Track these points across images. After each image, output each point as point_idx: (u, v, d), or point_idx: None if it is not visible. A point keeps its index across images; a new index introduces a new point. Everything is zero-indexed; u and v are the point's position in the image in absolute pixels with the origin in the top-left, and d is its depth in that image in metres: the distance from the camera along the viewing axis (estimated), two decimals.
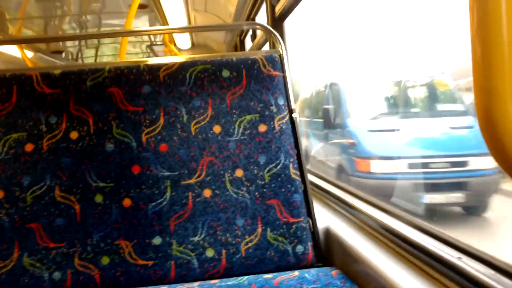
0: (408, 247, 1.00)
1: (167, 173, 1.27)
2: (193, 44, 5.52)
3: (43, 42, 4.66)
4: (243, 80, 1.34)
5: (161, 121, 1.30)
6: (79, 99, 1.30)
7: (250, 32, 3.64)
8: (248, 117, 1.33)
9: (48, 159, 1.26)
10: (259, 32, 2.88)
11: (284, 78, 1.38)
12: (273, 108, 1.34)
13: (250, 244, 1.25)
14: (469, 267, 0.81)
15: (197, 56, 1.37)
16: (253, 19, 3.49)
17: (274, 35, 1.44)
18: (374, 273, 1.01)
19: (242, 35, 4.22)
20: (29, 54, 4.64)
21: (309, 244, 1.28)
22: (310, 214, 1.31)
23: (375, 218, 1.21)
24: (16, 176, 1.24)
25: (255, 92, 1.34)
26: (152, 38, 5.15)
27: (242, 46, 4.48)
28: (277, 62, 1.37)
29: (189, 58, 1.36)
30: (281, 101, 1.35)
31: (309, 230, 1.29)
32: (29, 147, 1.26)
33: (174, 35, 4.56)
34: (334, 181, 1.80)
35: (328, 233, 1.32)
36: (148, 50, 5.83)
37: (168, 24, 4.07)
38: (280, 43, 1.42)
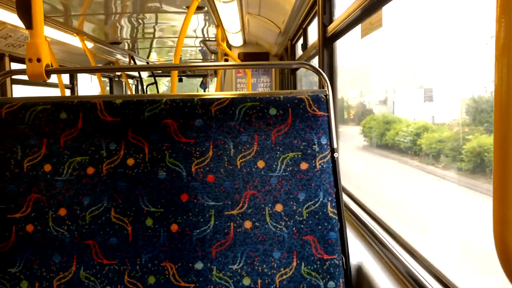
0: None
1: (212, 203, 1.37)
2: (244, 42, 5.61)
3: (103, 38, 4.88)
4: (288, 118, 1.41)
5: (210, 153, 1.40)
6: (137, 128, 1.41)
7: (301, 40, 3.69)
8: (291, 154, 1.40)
9: (106, 182, 1.39)
10: (310, 33, 2.90)
11: (329, 118, 1.44)
12: (316, 147, 1.40)
13: (284, 277, 1.34)
14: None
15: (247, 93, 1.45)
16: (305, 29, 3.53)
17: (323, 76, 1.50)
18: None
19: (293, 39, 4.27)
20: (89, 45, 4.87)
21: (341, 280, 1.35)
22: (344, 251, 1.38)
23: (401, 261, 1.26)
24: (77, 196, 1.38)
25: (299, 131, 1.41)
26: (206, 35, 5.27)
27: (292, 50, 4.53)
28: (322, 102, 1.43)
29: (239, 94, 1.44)
30: (324, 141, 1.42)
31: (342, 267, 1.36)
32: (90, 170, 1.39)
33: (227, 33, 4.67)
34: (369, 210, 1.85)
35: (360, 270, 1.39)
36: (202, 45, 5.97)
37: (221, 24, 4.17)
38: (327, 84, 1.47)
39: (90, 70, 5.32)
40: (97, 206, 1.38)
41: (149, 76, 8.88)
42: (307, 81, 5.29)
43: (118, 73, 7.69)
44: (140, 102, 1.42)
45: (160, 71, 7.82)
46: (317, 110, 1.42)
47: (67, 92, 5.36)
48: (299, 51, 4.21)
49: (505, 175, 0.54)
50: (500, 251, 0.55)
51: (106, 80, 7.93)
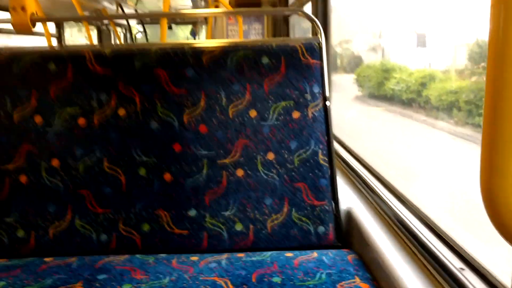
0: (419, 246, 1.09)
1: (205, 152, 1.39)
2: None
3: None
4: (281, 67, 1.40)
5: (202, 103, 1.40)
6: (128, 79, 1.40)
7: None
8: (283, 103, 1.40)
9: (98, 133, 1.39)
10: None
11: (321, 66, 1.43)
12: (308, 96, 1.40)
13: (276, 222, 1.38)
14: (469, 273, 0.90)
15: (239, 41, 1.43)
16: None
17: (316, 23, 1.47)
18: (384, 263, 1.11)
19: None
20: None
21: (331, 225, 1.39)
22: (334, 198, 1.41)
23: (391, 207, 1.30)
24: (70, 147, 1.39)
25: (291, 80, 1.40)
26: None
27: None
28: (315, 51, 1.42)
29: (231, 42, 1.42)
30: (316, 89, 1.41)
31: (332, 213, 1.40)
32: (81, 121, 1.39)
33: None
34: (360, 157, 1.88)
35: (349, 216, 1.43)
36: None
37: None
38: (320, 31, 1.45)
39: (77, 19, 5.17)
40: (89, 156, 1.38)
41: (138, 23, 8.66)
42: (300, 29, 5.19)
43: (106, 22, 7.49)
44: (130, 53, 1.40)
45: (148, 19, 7.62)
46: (310, 59, 1.41)
47: (54, 43, 5.23)
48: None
49: (494, 122, 0.55)
50: (485, 196, 0.56)
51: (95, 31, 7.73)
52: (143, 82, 1.39)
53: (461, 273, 0.92)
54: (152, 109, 1.39)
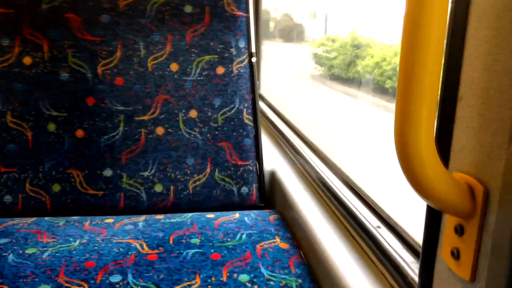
0: (339, 206, 1.09)
1: (121, 108, 1.29)
2: None
3: None
4: (205, 17, 1.32)
5: (118, 53, 1.28)
6: (34, 22, 1.25)
7: None
8: (207, 57, 1.32)
9: (0, 83, 1.24)
10: None
11: (248, 19, 1.36)
12: (233, 51, 1.34)
13: (198, 183, 1.32)
14: (384, 236, 0.91)
15: None
16: None
17: None
18: (304, 222, 1.11)
19: None
20: None
21: (254, 186, 1.36)
22: (258, 158, 1.38)
23: (313, 167, 1.29)
24: None
25: (216, 32, 1.32)
26: None
27: None
28: (242, 2, 1.34)
29: None
30: (242, 44, 1.35)
31: (255, 173, 1.37)
32: None
33: None
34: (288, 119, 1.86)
35: (273, 176, 1.41)
36: None
37: None
38: None
39: None
40: None
41: None
42: None
43: None
44: None
45: None
46: (236, 10, 1.33)
47: None
48: None
49: (408, 71, 0.52)
50: (398, 148, 0.54)
51: None
52: (51, 27, 1.25)
53: (377, 231, 0.92)
54: (62, 58, 1.26)
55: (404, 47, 0.52)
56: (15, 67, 1.25)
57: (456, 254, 0.51)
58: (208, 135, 1.33)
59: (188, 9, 1.31)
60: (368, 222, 0.96)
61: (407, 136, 0.50)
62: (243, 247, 1.07)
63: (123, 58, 1.29)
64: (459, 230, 0.52)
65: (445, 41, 0.52)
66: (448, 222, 0.54)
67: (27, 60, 1.25)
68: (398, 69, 0.53)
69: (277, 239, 1.12)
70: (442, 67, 0.53)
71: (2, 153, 1.25)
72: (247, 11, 1.35)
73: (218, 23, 1.32)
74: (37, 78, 1.26)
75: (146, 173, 1.30)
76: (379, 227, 0.95)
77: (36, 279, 0.92)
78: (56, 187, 1.27)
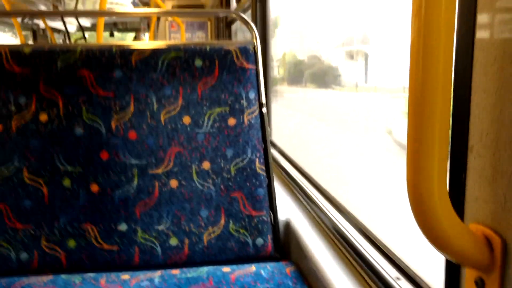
0: (356, 256, 1.07)
1: (135, 161, 1.30)
2: None
3: None
4: (215, 70, 1.35)
5: (131, 108, 1.31)
6: (49, 80, 1.29)
7: None
8: (218, 109, 1.34)
9: (16, 140, 1.27)
10: None
11: (257, 71, 1.39)
12: (244, 102, 1.36)
13: (212, 235, 1.31)
14: (404, 282, 0.89)
15: (171, 42, 1.36)
16: None
17: (251, 26, 1.43)
18: (321, 274, 1.08)
19: None
20: None
21: (269, 237, 1.34)
22: (272, 208, 1.37)
23: (329, 217, 1.27)
24: None
25: (226, 84, 1.35)
26: None
27: (228, 2, 4.39)
28: (250, 55, 1.38)
29: (162, 44, 1.35)
30: (252, 95, 1.37)
31: (270, 224, 1.35)
32: None
33: None
34: (299, 166, 1.85)
35: (288, 226, 1.39)
36: None
37: None
38: (255, 34, 1.41)
39: (3, 13, 4.87)
40: (6, 166, 1.26)
41: (78, 30, 8.35)
42: (243, 38, 5.16)
43: (42, 26, 7.16)
44: (52, 52, 1.30)
45: (89, 25, 7.36)
46: (245, 63, 1.36)
47: None
48: (234, 4, 4.08)
49: (418, 124, 0.52)
50: (412, 199, 0.53)
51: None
52: (66, 84, 1.29)
53: (397, 283, 0.90)
54: (76, 113, 1.29)
55: (411, 100, 0.52)
56: (31, 124, 1.28)
57: None
58: (221, 186, 1.33)
59: (198, 62, 1.34)
60: (387, 273, 0.94)
61: (420, 189, 0.50)
62: None
63: (135, 112, 1.31)
64: (480, 284, 0.50)
65: (452, 92, 0.52)
66: (468, 275, 0.52)
67: (43, 117, 1.29)
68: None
69: None
70: (450, 119, 0.53)
71: (18, 210, 1.26)
72: (256, 63, 1.39)
73: (228, 75, 1.35)
74: (52, 134, 1.29)
75: (160, 227, 1.30)
76: (398, 278, 0.92)
77: None
78: (72, 243, 1.27)
